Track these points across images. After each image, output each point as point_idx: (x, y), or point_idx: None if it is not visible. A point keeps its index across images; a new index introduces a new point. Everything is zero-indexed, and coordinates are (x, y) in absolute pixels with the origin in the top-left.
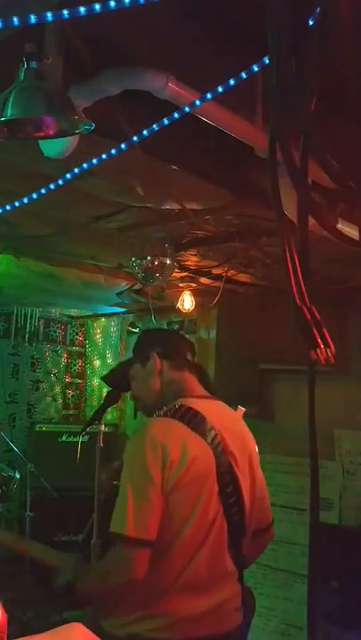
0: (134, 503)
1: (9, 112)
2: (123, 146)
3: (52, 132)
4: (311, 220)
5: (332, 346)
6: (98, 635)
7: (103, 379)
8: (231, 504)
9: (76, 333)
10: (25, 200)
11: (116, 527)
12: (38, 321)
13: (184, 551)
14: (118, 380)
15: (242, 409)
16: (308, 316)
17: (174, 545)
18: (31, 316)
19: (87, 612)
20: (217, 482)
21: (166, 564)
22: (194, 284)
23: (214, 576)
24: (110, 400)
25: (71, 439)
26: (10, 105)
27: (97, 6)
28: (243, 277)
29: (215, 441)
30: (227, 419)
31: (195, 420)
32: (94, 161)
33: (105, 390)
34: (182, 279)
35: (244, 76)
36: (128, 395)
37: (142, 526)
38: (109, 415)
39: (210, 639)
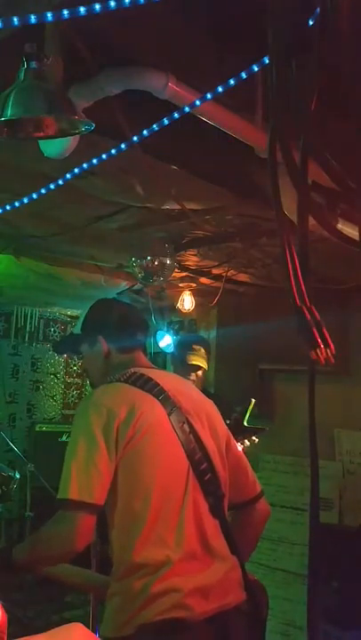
0: (78, 468)
1: (9, 112)
2: (123, 146)
3: (52, 132)
4: (311, 220)
5: (332, 346)
6: None
7: (53, 347)
8: (198, 461)
9: None
10: (25, 200)
11: (60, 494)
12: (38, 321)
13: (165, 514)
14: (67, 350)
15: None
16: (308, 316)
17: (150, 506)
18: (31, 316)
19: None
20: (176, 435)
21: (154, 533)
22: (194, 284)
23: (207, 544)
24: None
25: None
26: (10, 105)
27: (97, 6)
28: (243, 277)
29: (166, 398)
30: (180, 384)
31: (144, 383)
32: (94, 161)
33: None
34: (182, 279)
35: (244, 75)
36: None
37: (86, 489)
38: None
39: (219, 614)
